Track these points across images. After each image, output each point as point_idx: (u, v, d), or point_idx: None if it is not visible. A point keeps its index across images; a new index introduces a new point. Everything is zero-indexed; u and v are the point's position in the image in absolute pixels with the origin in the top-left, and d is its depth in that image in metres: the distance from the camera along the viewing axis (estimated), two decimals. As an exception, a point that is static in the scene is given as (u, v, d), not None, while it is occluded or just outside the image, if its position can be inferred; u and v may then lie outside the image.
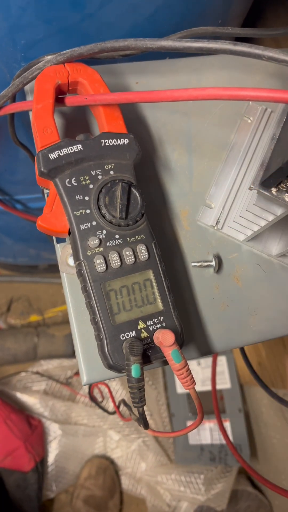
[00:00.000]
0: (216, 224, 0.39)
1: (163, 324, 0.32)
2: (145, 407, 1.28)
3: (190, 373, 0.31)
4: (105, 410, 1.13)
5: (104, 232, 0.33)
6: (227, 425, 1.17)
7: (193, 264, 0.38)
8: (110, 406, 1.24)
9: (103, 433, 1.26)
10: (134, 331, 0.32)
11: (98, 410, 1.25)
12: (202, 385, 1.20)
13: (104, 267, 0.32)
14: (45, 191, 0.36)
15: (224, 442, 1.18)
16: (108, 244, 0.32)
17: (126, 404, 0.51)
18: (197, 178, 0.41)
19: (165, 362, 0.34)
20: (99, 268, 0.32)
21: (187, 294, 0.38)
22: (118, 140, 0.34)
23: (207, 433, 1.20)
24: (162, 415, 1.28)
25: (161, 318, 0.33)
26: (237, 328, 0.38)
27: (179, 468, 1.23)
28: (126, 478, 1.25)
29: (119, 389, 1.29)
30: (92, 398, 1.22)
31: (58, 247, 0.37)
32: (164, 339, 0.31)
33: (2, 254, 1.10)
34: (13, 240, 0.97)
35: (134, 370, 0.30)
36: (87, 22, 0.40)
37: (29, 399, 1.24)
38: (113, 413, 1.09)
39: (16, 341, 1.24)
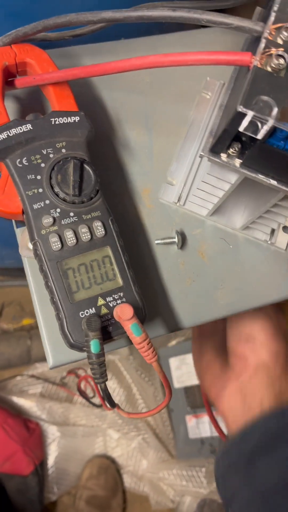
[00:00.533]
0: (178, 200, 0.39)
1: (123, 299, 0.32)
2: (143, 403, 1.28)
3: (152, 346, 0.31)
4: (91, 403, 1.12)
5: (58, 210, 0.32)
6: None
7: (156, 241, 0.38)
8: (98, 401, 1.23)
9: (103, 432, 1.25)
10: (93, 308, 0.31)
11: (96, 409, 1.24)
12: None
13: (59, 246, 0.32)
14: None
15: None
16: (62, 222, 0.32)
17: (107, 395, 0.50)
18: (157, 156, 0.40)
19: (130, 340, 0.34)
20: (54, 247, 0.31)
21: (152, 271, 0.37)
22: (68, 118, 0.34)
23: (206, 426, 1.19)
24: (161, 411, 1.28)
25: (121, 294, 0.32)
26: (204, 303, 0.37)
27: (180, 463, 1.22)
28: (128, 476, 1.24)
29: (116, 388, 1.28)
30: (80, 391, 1.22)
31: (18, 231, 0.37)
32: (123, 313, 0.30)
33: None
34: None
35: (93, 346, 0.29)
36: (38, 5, 0.39)
37: (25, 403, 1.23)
38: (100, 405, 1.09)
39: (10, 345, 1.23)
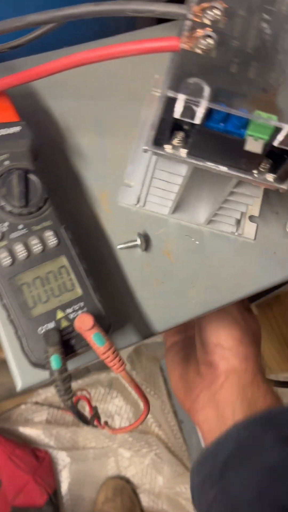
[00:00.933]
0: (138, 202, 0.38)
1: (84, 309, 0.30)
2: (151, 418, 1.25)
3: (118, 354, 0.29)
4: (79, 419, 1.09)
5: (6, 224, 0.31)
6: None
7: (119, 246, 0.36)
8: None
9: (114, 452, 1.22)
10: (53, 322, 0.30)
11: (104, 430, 1.21)
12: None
13: (9, 261, 0.30)
14: None
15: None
16: (11, 236, 0.31)
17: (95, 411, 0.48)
18: (112, 160, 0.39)
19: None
20: (5, 262, 0.30)
21: (117, 276, 0.36)
22: (8, 129, 0.33)
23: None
24: (170, 423, 1.25)
25: (81, 304, 0.31)
26: (176, 304, 0.36)
27: (197, 475, 1.18)
28: (144, 495, 1.21)
29: (122, 405, 1.25)
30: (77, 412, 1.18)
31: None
32: (83, 323, 0.29)
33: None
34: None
35: (54, 361, 0.28)
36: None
37: (32, 431, 1.20)
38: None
39: (9, 375, 1.21)
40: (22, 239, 0.31)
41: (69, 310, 0.30)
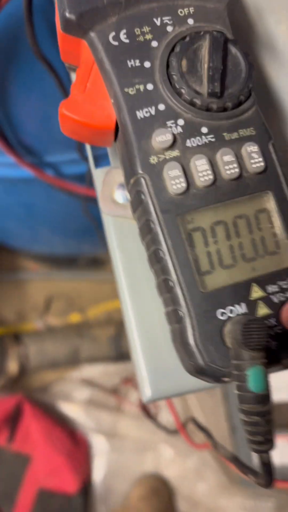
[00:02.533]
0: None
1: (299, 291, 0.17)
2: (201, 417, 1.13)
3: None
4: (162, 427, 0.96)
5: (181, 122, 0.18)
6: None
7: None
8: (165, 419, 1.09)
9: (155, 447, 1.11)
10: (244, 305, 0.17)
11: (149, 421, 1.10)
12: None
13: (183, 185, 0.17)
14: (73, 74, 0.21)
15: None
16: (188, 144, 0.18)
17: (200, 426, 0.35)
18: None
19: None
20: (174, 187, 0.17)
21: None
22: None
23: (277, 451, 1.02)
24: (221, 428, 1.12)
25: (295, 281, 0.17)
26: None
27: (244, 491, 1.06)
28: (182, 500, 1.09)
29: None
30: (145, 410, 1.07)
31: (98, 173, 0.22)
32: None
33: (36, 243, 0.98)
34: (48, 228, 0.84)
35: (254, 378, 0.15)
36: None
37: (71, 409, 1.11)
38: (175, 431, 0.93)
39: (56, 343, 1.12)
40: (206, 151, 0.17)
41: (272, 288, 0.17)
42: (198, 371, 0.17)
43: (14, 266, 1.22)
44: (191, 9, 0.19)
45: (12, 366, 1.03)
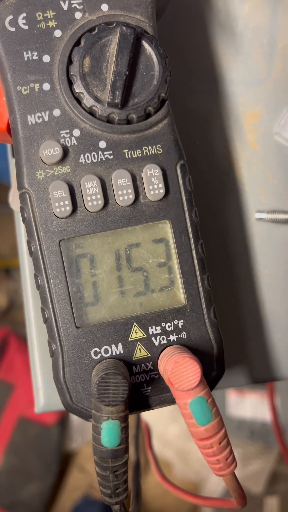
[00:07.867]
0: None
1: (183, 334, 0.16)
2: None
3: (228, 444, 0.15)
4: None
5: (77, 133, 0.16)
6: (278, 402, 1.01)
7: (258, 215, 0.21)
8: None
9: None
10: (120, 345, 0.15)
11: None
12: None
13: (67, 209, 0.15)
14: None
15: (267, 419, 1.03)
16: (82, 160, 0.15)
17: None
18: (284, 53, 0.22)
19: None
20: (57, 210, 0.15)
21: (242, 272, 0.20)
22: None
23: (247, 406, 1.05)
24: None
25: (181, 323, 0.16)
26: None
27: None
28: (154, 439, 1.15)
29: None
30: None
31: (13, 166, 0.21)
32: (179, 372, 0.14)
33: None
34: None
35: (107, 433, 0.14)
36: None
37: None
38: None
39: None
40: (99, 171, 0.15)
41: (154, 329, 0.16)
42: (66, 408, 0.16)
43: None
44: (107, -7, 0.16)
45: (1, 300, 1.05)
